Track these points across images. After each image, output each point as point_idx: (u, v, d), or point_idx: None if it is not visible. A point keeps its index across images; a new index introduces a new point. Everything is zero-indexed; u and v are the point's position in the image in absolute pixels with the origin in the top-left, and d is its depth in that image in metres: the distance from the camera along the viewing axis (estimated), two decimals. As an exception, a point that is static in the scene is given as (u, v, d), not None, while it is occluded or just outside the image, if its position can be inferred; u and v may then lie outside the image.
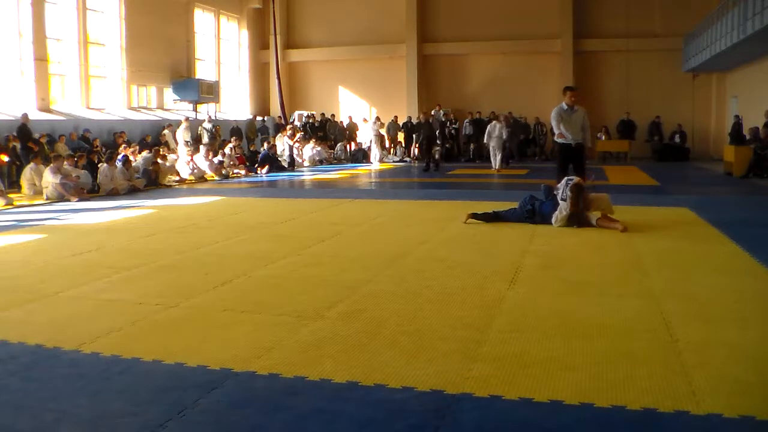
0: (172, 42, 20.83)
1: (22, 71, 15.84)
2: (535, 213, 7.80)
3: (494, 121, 17.28)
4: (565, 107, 9.14)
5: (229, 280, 5.22)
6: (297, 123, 22.97)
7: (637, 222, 7.73)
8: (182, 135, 17.34)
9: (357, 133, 23.44)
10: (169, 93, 20.79)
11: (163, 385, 3.13)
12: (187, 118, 18.29)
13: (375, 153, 21.37)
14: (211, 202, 11.18)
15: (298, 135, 20.59)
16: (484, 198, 10.23)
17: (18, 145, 13.76)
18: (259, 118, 23.28)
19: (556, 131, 9.18)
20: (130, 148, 15.24)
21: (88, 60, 17.96)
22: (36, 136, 14.08)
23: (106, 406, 2.94)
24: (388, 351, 3.54)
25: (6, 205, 10.72)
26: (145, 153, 14.57)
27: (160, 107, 20.65)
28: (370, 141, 22.00)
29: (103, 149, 15.19)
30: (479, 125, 22.48)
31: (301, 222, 8.59)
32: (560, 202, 7.61)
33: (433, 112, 23.06)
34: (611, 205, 7.65)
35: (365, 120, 23.04)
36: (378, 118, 22.34)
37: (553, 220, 7.62)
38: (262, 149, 18.96)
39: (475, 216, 8.08)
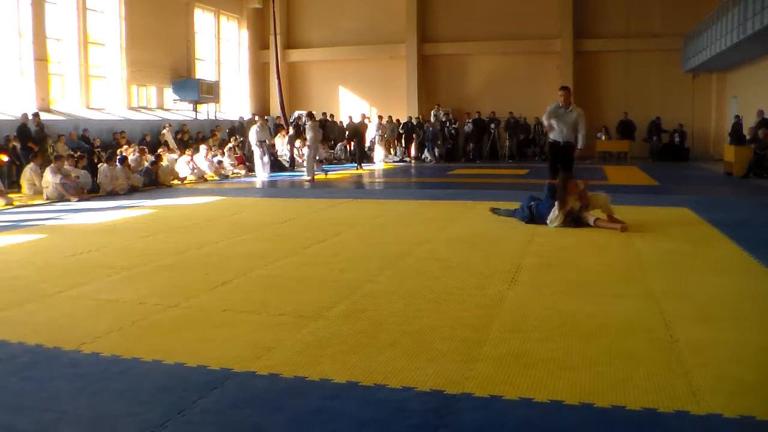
0: (172, 42, 20.82)
1: (22, 71, 15.83)
2: (534, 215, 7.80)
3: (311, 122, 15.51)
4: (561, 105, 9.14)
5: (229, 280, 5.22)
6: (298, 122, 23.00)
7: (637, 222, 7.72)
8: (257, 135, 16.35)
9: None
10: (169, 93, 20.78)
11: (163, 385, 3.13)
12: (262, 116, 17.49)
13: (379, 153, 21.40)
14: (211, 202, 11.17)
15: (298, 141, 20.64)
16: (484, 198, 10.23)
17: (18, 145, 13.75)
18: (268, 117, 23.18)
19: (545, 123, 9.22)
20: (130, 147, 15.25)
21: (88, 60, 17.96)
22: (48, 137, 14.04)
23: (106, 406, 2.94)
24: (388, 351, 3.54)
25: (6, 205, 10.72)
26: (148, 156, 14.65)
27: (160, 107, 20.64)
28: (371, 141, 22.00)
29: (107, 151, 15.21)
30: (479, 125, 22.55)
31: (301, 222, 8.59)
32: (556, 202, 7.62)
33: (432, 112, 23.12)
34: (609, 204, 7.66)
35: (368, 119, 22.97)
36: (381, 117, 22.32)
37: (548, 221, 7.62)
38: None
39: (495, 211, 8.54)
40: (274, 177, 16.45)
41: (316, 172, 15.19)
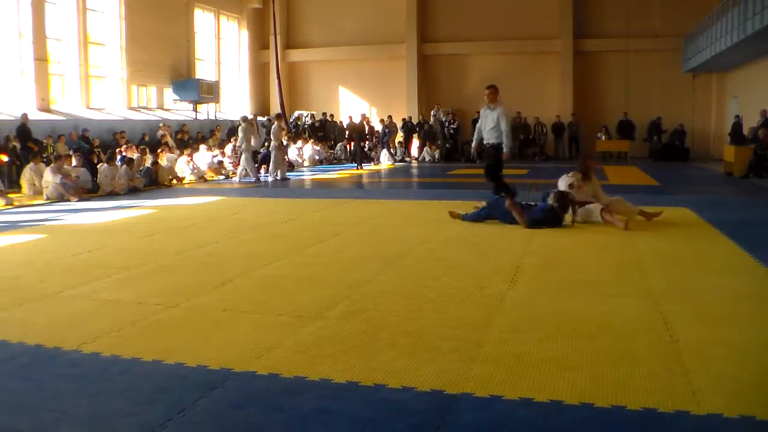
0: (172, 42, 20.82)
1: (22, 71, 15.84)
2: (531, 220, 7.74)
3: (244, 123, 15.24)
4: (487, 106, 9.07)
5: (229, 280, 5.22)
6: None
7: (637, 222, 7.73)
8: (275, 136, 15.74)
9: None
10: (169, 93, 20.79)
11: (163, 385, 3.13)
12: (280, 117, 16.75)
13: (384, 153, 21.41)
14: (211, 202, 11.17)
15: (299, 141, 20.65)
16: (484, 198, 10.18)
17: (18, 145, 13.75)
18: (270, 117, 23.04)
19: (475, 138, 9.27)
20: (131, 149, 15.24)
21: (88, 60, 17.96)
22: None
23: (106, 406, 2.94)
24: (388, 351, 3.54)
25: (6, 205, 10.72)
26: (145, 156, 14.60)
27: (160, 107, 20.65)
28: (374, 141, 22.02)
29: (107, 151, 15.18)
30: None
31: (301, 222, 8.59)
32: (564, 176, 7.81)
33: (432, 112, 23.15)
34: (628, 204, 7.82)
35: (368, 120, 22.95)
36: (390, 117, 22.30)
37: (561, 181, 7.74)
38: (262, 149, 18.92)
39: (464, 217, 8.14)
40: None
41: (252, 179, 15.07)
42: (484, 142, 9.11)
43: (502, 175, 9.26)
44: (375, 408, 2.85)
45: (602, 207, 7.57)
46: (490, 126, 8.93)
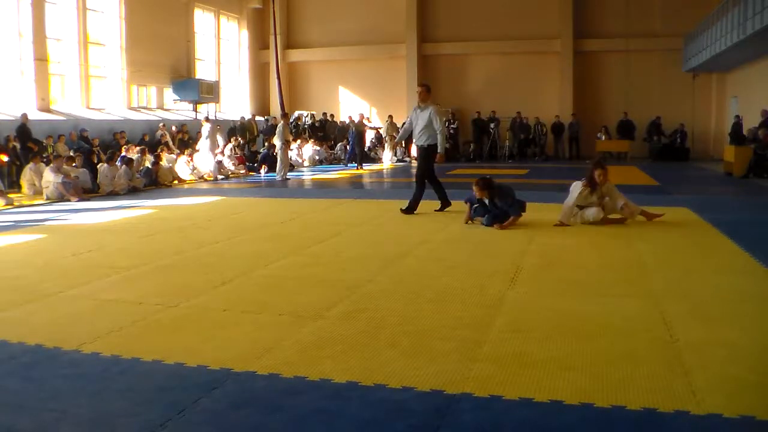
0: (172, 42, 20.83)
1: (22, 71, 15.84)
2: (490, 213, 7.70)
3: (208, 124, 15.78)
4: (417, 105, 8.93)
5: (229, 280, 5.22)
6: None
7: (637, 222, 7.75)
8: (282, 135, 15.70)
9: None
10: (169, 93, 20.79)
11: (163, 385, 3.13)
12: (286, 116, 17.01)
13: (387, 153, 21.40)
14: (211, 202, 11.17)
15: (298, 142, 20.65)
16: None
17: (18, 145, 13.75)
18: (268, 117, 23.05)
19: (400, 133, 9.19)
20: (132, 149, 15.24)
21: (88, 60, 17.96)
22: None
23: (106, 406, 2.94)
24: (388, 351, 3.54)
25: (6, 205, 10.72)
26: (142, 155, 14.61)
27: (160, 107, 20.65)
28: (372, 142, 21.99)
29: (107, 151, 15.17)
30: (479, 125, 22.58)
31: (301, 222, 8.59)
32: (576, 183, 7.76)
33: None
34: (630, 203, 7.79)
35: (368, 120, 22.96)
36: (390, 117, 22.32)
37: (576, 201, 7.67)
38: (262, 149, 18.94)
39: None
40: (274, 177, 16.43)
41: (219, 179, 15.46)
42: (415, 143, 9.02)
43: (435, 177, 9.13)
44: (375, 408, 2.85)
45: (622, 204, 7.65)
46: (421, 126, 8.71)
